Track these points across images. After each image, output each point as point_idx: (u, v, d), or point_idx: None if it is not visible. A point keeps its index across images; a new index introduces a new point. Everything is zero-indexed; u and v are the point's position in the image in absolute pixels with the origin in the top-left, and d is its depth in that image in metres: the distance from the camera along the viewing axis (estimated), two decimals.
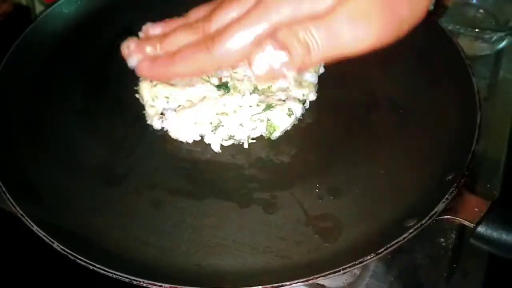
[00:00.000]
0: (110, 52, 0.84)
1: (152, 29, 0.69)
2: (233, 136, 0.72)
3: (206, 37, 0.60)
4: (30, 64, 0.81)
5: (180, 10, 0.85)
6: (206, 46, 0.59)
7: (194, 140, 0.73)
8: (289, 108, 0.72)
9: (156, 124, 0.74)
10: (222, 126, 0.71)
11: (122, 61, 0.82)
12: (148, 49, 0.66)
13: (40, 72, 0.81)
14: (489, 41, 0.92)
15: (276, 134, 0.72)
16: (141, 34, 0.70)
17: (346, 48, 0.56)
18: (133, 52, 0.67)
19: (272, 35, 0.55)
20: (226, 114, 0.71)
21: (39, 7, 0.95)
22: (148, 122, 0.75)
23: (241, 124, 0.71)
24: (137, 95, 0.77)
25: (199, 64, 0.61)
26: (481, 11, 0.97)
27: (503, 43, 0.93)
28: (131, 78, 0.79)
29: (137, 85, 0.77)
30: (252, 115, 0.71)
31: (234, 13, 0.59)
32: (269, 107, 0.72)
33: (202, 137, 0.73)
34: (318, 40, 0.54)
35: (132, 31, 0.86)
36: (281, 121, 0.72)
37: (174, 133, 0.73)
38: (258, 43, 0.56)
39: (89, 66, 0.83)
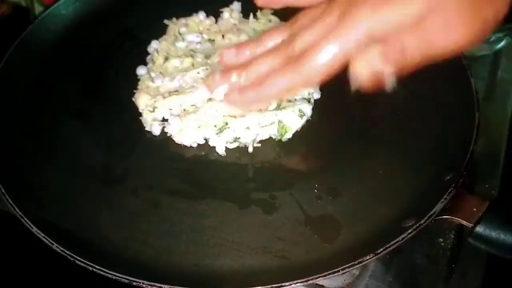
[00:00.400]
0: (109, 53, 0.85)
1: (227, 54, 0.70)
2: (239, 138, 0.72)
3: (292, 57, 0.62)
4: (29, 66, 0.81)
5: (179, 11, 0.86)
6: (293, 65, 0.61)
7: (198, 144, 0.73)
8: (299, 109, 0.72)
9: (156, 130, 0.74)
10: (228, 128, 0.71)
11: (121, 62, 0.83)
12: (234, 78, 0.67)
13: (38, 73, 0.81)
14: (488, 41, 0.92)
15: (287, 136, 0.73)
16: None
17: (439, 53, 0.57)
18: (219, 83, 0.69)
19: (367, 45, 0.57)
20: (234, 116, 0.72)
21: (38, 8, 0.95)
22: (147, 128, 0.74)
23: (247, 127, 0.71)
24: (133, 99, 0.77)
25: (288, 83, 0.62)
26: None
27: (502, 44, 0.93)
28: (130, 80, 0.79)
29: (135, 87, 0.78)
30: (263, 118, 0.71)
31: (317, 32, 0.60)
32: (279, 107, 0.72)
33: (206, 140, 0.73)
34: (413, 47, 0.56)
35: (131, 32, 0.87)
36: (293, 122, 0.72)
37: (178, 138, 0.73)
38: (353, 54, 0.58)
39: (88, 67, 0.83)
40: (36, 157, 0.71)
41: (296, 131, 0.73)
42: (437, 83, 0.76)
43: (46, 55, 0.83)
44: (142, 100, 0.75)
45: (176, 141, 0.73)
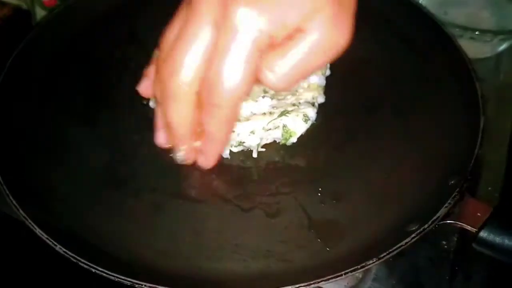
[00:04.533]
0: (113, 57, 0.85)
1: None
2: (243, 142, 0.71)
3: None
4: (33, 70, 0.81)
5: None
6: (212, 109, 0.57)
7: None
8: (304, 114, 0.72)
9: None
10: (233, 132, 0.71)
11: (126, 66, 0.82)
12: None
13: (42, 77, 0.81)
14: (490, 43, 0.92)
15: (292, 140, 0.72)
16: None
17: (331, 54, 0.56)
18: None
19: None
20: (239, 120, 0.71)
21: (39, 11, 0.95)
22: None
23: (252, 132, 0.71)
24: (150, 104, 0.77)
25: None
26: (482, 13, 0.97)
27: (504, 46, 0.93)
28: (134, 84, 0.79)
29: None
30: (268, 122, 0.71)
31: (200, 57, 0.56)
32: (284, 113, 0.72)
33: None
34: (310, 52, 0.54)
35: (136, 36, 0.87)
36: (297, 126, 0.72)
37: None
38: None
39: (92, 71, 0.83)
40: (40, 160, 0.71)
41: (301, 135, 0.73)
42: (443, 87, 0.77)
43: (50, 59, 0.83)
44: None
45: None
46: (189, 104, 0.58)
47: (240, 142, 0.71)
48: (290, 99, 0.74)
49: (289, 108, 0.72)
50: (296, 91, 0.75)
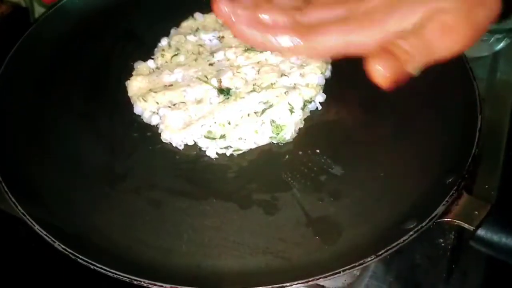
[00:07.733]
0: (110, 54, 0.85)
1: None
2: (231, 147, 0.71)
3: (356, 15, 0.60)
4: (31, 67, 0.81)
5: (182, 12, 0.86)
6: (360, 22, 0.59)
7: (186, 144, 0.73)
8: (288, 103, 0.72)
9: (154, 120, 0.74)
10: (221, 137, 0.71)
11: (124, 63, 0.82)
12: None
13: (41, 74, 0.81)
14: (487, 42, 0.92)
15: (285, 136, 0.72)
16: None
17: (439, 56, 0.59)
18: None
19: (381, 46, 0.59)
20: (223, 125, 0.71)
21: (38, 9, 0.95)
22: (135, 111, 0.75)
23: (240, 138, 0.71)
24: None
25: (358, 38, 0.60)
26: None
27: (501, 45, 0.93)
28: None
29: None
30: (255, 122, 0.71)
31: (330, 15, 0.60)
32: (268, 106, 0.72)
33: (195, 142, 0.72)
34: (417, 52, 0.58)
35: (134, 33, 0.87)
36: (285, 119, 0.71)
37: (166, 135, 0.72)
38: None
39: (90, 68, 0.83)
40: (39, 157, 0.71)
41: (298, 133, 0.73)
42: (440, 86, 0.76)
43: (48, 56, 0.83)
44: (134, 87, 0.75)
45: (163, 140, 0.72)
46: None
47: (227, 146, 0.71)
48: (281, 90, 0.73)
49: (273, 101, 0.72)
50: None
